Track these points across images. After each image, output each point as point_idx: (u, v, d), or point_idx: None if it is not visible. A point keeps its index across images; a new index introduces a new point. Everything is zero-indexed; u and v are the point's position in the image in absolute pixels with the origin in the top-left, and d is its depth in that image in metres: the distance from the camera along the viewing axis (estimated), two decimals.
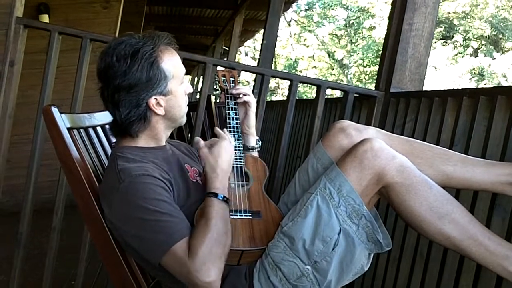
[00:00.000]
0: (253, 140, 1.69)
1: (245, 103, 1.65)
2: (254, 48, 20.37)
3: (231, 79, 1.71)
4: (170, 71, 1.35)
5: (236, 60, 9.70)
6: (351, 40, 20.78)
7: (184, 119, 1.46)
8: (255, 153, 1.69)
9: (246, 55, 21.15)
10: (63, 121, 1.39)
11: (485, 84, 17.08)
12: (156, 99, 1.34)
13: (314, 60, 21.60)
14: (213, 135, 2.95)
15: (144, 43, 1.32)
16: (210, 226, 1.22)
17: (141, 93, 1.32)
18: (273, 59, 5.56)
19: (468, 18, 18.84)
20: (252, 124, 1.66)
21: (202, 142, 1.43)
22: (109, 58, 1.31)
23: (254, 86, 4.85)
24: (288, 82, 2.39)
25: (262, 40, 5.21)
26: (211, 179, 1.34)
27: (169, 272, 1.23)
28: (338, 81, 18.74)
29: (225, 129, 1.51)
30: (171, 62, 1.36)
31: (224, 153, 1.37)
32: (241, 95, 1.65)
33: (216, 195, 1.30)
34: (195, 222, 1.31)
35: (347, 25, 20.69)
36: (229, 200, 1.33)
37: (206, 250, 1.18)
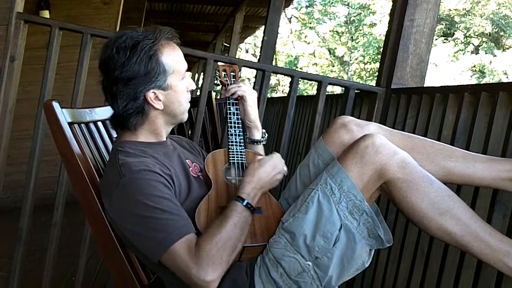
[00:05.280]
0: (257, 133, 1.68)
1: (241, 98, 1.64)
2: (255, 45, 20.35)
3: (232, 73, 1.70)
4: (170, 66, 1.34)
5: (237, 57, 9.69)
6: (351, 37, 20.75)
7: (186, 116, 1.45)
8: (261, 146, 1.68)
9: (247, 52, 21.13)
10: (64, 116, 1.39)
11: (486, 82, 17.06)
12: (154, 93, 1.34)
13: (314, 57, 21.58)
14: (214, 132, 2.95)
15: (145, 37, 1.32)
16: (225, 229, 1.22)
17: (139, 86, 1.32)
18: (274, 55, 5.55)
19: (469, 15, 18.81)
20: (253, 117, 1.65)
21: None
22: (109, 50, 1.31)
23: (254, 82, 4.84)
24: (289, 79, 2.38)
25: (263, 36, 5.19)
26: (244, 183, 1.34)
27: (168, 269, 1.23)
28: (339, 78, 18.73)
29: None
30: (172, 57, 1.35)
31: (270, 166, 1.38)
32: (234, 92, 1.63)
33: (242, 200, 1.29)
34: (196, 218, 1.31)
35: (348, 22, 20.65)
36: (255, 210, 1.32)
37: (214, 250, 1.18)
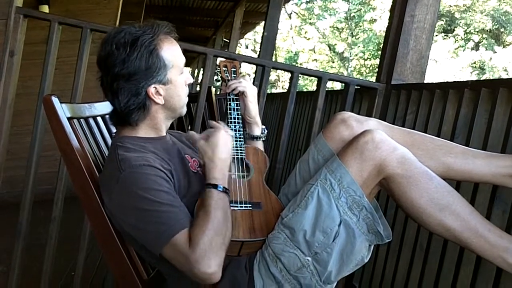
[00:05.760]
0: (257, 129, 1.68)
1: (242, 94, 1.64)
2: (255, 41, 20.31)
3: (233, 69, 1.70)
4: (169, 60, 1.34)
5: (237, 52, 9.67)
6: (352, 33, 20.71)
7: (184, 110, 1.45)
8: (260, 142, 1.68)
9: (247, 47, 21.09)
10: (63, 110, 1.38)
11: (486, 78, 17.03)
12: (155, 87, 1.34)
13: (314, 53, 21.54)
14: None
15: (143, 32, 1.31)
16: (210, 217, 1.22)
17: (140, 82, 1.32)
18: (274, 51, 5.55)
19: (469, 11, 18.77)
20: (254, 113, 1.65)
21: (196, 135, 1.42)
22: (108, 47, 1.31)
23: (254, 78, 4.84)
24: (289, 75, 2.38)
25: (263, 32, 5.19)
26: (209, 170, 1.33)
27: (170, 263, 1.23)
28: (339, 74, 18.67)
29: (220, 121, 1.49)
30: (171, 51, 1.35)
31: (221, 142, 1.35)
32: (235, 88, 1.63)
33: (215, 186, 1.29)
34: (195, 213, 1.31)
35: (348, 18, 20.61)
36: (228, 191, 1.32)
37: (206, 241, 1.17)
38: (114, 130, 1.52)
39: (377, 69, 2.52)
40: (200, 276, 1.16)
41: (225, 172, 1.34)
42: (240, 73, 1.73)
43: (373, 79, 2.57)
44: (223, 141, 1.36)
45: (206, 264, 1.16)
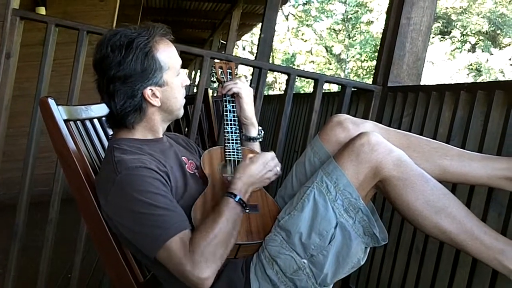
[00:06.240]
0: (254, 130, 1.68)
1: (237, 95, 1.64)
2: (252, 42, 20.33)
3: (228, 71, 1.70)
4: (165, 62, 1.34)
5: (234, 54, 9.67)
6: (349, 34, 20.74)
7: (181, 112, 1.45)
8: (257, 144, 1.69)
9: (244, 49, 21.10)
10: (59, 113, 1.38)
11: (482, 80, 17.07)
12: (151, 89, 1.34)
13: (311, 54, 21.56)
14: (210, 129, 2.95)
15: (139, 34, 1.31)
16: (219, 225, 1.22)
17: (136, 84, 1.31)
18: (271, 53, 5.55)
19: (466, 13, 18.82)
20: (249, 114, 1.65)
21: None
22: (104, 49, 1.30)
23: (251, 80, 4.83)
24: (286, 77, 2.38)
25: (260, 34, 5.18)
26: (235, 179, 1.34)
27: (165, 266, 1.23)
28: (336, 76, 18.69)
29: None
30: (167, 53, 1.35)
31: (260, 163, 1.38)
32: (230, 89, 1.63)
33: (234, 195, 1.29)
34: (192, 215, 1.31)
35: (345, 19, 20.65)
36: (245, 204, 1.32)
37: (209, 248, 1.18)
38: (110, 132, 1.52)
39: (374, 71, 2.53)
40: (194, 280, 1.16)
41: (248, 189, 1.35)
42: (236, 74, 1.73)
43: (370, 80, 2.57)
44: (264, 164, 1.39)
45: (202, 269, 1.16)
